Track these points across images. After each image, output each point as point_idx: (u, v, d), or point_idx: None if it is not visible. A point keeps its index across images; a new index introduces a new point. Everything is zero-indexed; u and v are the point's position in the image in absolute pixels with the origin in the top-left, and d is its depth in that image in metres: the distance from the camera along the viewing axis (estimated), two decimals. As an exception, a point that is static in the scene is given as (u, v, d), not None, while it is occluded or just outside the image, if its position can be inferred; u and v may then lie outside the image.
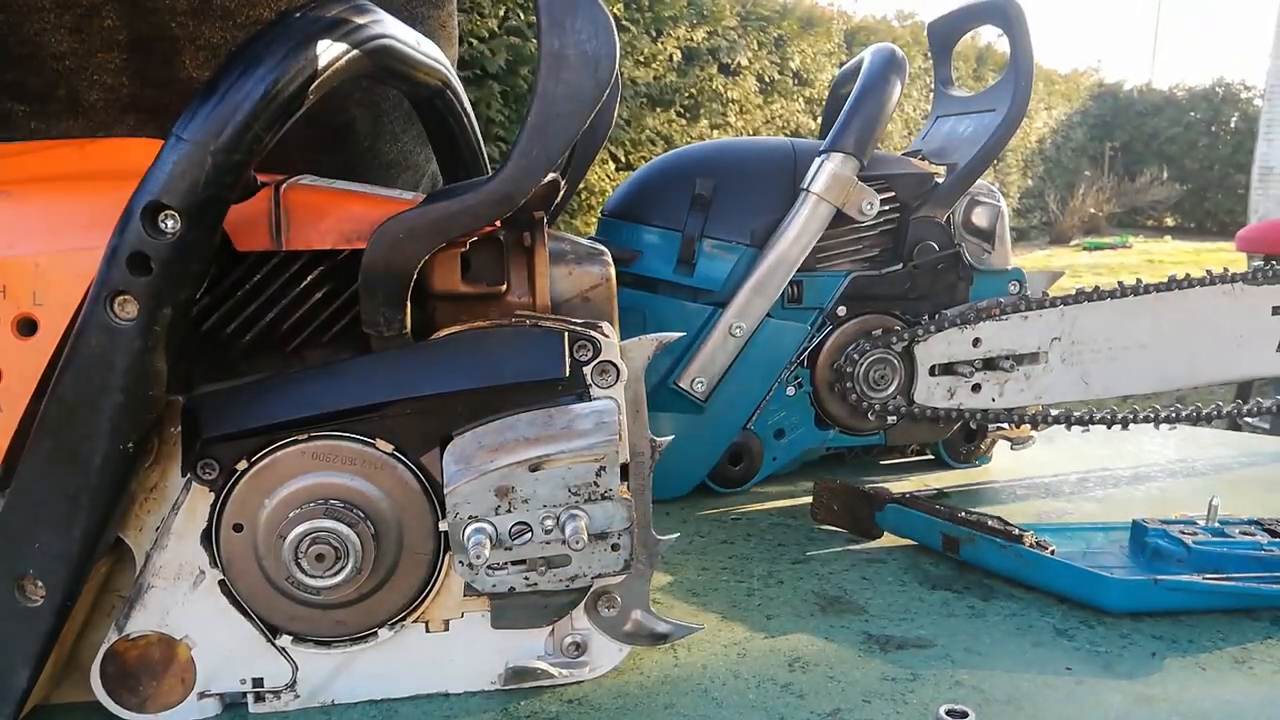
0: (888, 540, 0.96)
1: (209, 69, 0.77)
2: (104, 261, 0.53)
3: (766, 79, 8.16)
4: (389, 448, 0.63)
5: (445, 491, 0.61)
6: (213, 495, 0.62)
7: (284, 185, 0.62)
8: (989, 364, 1.11)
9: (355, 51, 0.58)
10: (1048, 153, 14.24)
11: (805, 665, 0.72)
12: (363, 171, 0.95)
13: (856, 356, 1.08)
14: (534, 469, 0.60)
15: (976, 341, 1.09)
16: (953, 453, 1.21)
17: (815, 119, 8.53)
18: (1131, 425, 1.12)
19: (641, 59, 6.48)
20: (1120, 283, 1.11)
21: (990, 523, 0.86)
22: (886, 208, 1.09)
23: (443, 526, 0.63)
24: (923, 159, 1.17)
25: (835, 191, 1.05)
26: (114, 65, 0.76)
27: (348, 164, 0.92)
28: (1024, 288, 1.14)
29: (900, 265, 1.11)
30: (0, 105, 0.77)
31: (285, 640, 0.64)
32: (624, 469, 0.64)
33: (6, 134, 0.78)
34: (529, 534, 0.61)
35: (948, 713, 0.60)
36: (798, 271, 1.06)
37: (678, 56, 6.84)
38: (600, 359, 0.63)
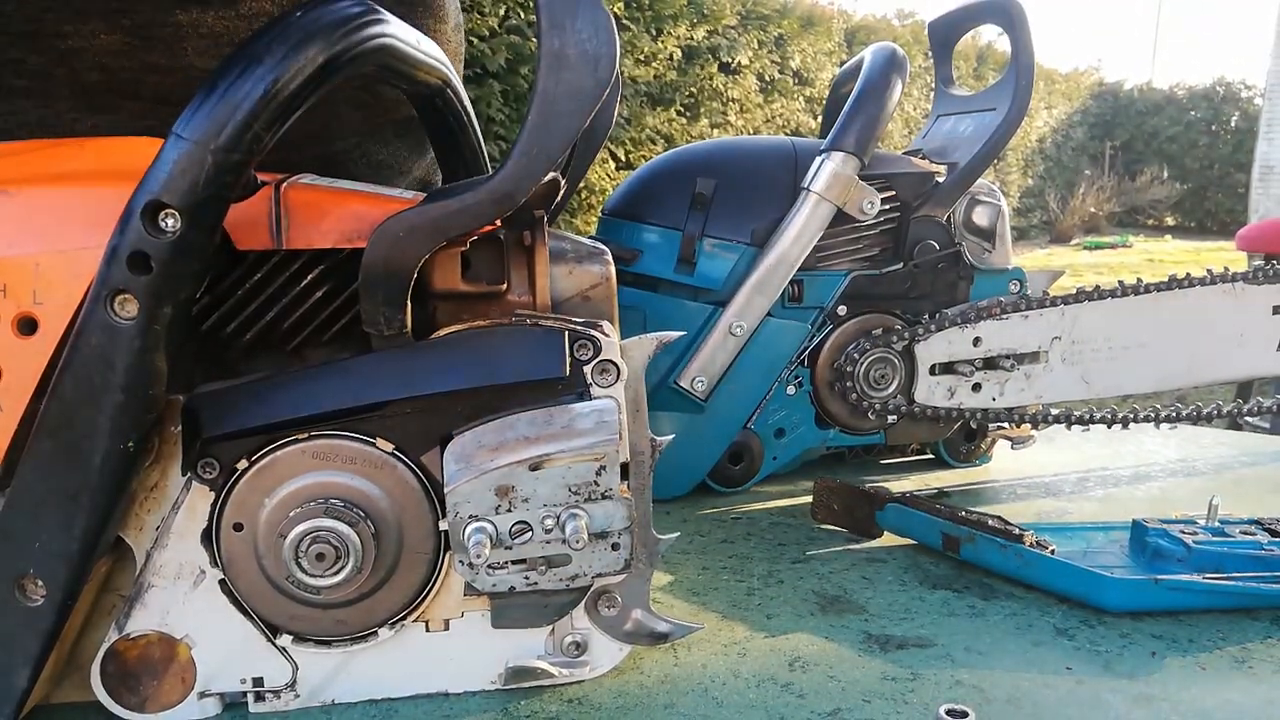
0: (888, 540, 0.96)
1: (211, 57, 0.77)
2: (104, 261, 0.54)
3: (767, 78, 8.15)
4: (389, 447, 0.63)
5: (445, 491, 0.61)
6: (213, 494, 0.62)
7: (284, 184, 0.62)
8: (989, 363, 1.10)
9: (356, 50, 0.58)
10: (1048, 152, 14.23)
11: (805, 665, 0.72)
12: (351, 170, 0.95)
13: (857, 356, 1.08)
14: (534, 468, 0.60)
15: (977, 341, 1.09)
16: (953, 452, 1.21)
17: (815, 118, 8.53)
18: (1131, 425, 1.12)
19: (641, 57, 6.47)
20: (1120, 282, 1.11)
21: (990, 522, 0.86)
22: (887, 207, 1.09)
23: (443, 526, 0.63)
24: (923, 158, 1.17)
25: (836, 191, 1.05)
26: (116, 48, 0.76)
27: (334, 160, 0.92)
28: (1024, 287, 1.14)
29: (901, 264, 1.11)
30: (1, 82, 0.76)
31: (285, 640, 0.64)
32: (624, 468, 0.64)
33: (6, 108, 0.77)
34: (529, 533, 0.61)
35: (948, 712, 0.60)
36: (798, 271, 1.06)
37: (678, 55, 6.83)
38: (600, 358, 0.63)
